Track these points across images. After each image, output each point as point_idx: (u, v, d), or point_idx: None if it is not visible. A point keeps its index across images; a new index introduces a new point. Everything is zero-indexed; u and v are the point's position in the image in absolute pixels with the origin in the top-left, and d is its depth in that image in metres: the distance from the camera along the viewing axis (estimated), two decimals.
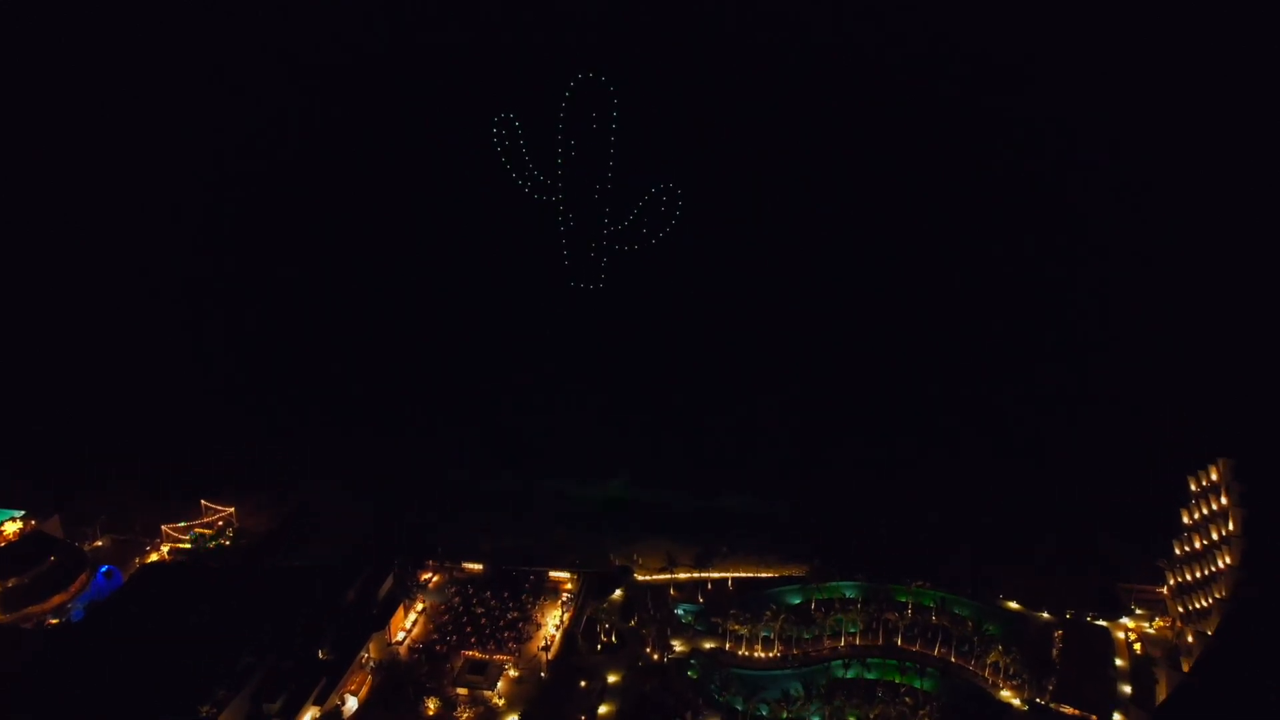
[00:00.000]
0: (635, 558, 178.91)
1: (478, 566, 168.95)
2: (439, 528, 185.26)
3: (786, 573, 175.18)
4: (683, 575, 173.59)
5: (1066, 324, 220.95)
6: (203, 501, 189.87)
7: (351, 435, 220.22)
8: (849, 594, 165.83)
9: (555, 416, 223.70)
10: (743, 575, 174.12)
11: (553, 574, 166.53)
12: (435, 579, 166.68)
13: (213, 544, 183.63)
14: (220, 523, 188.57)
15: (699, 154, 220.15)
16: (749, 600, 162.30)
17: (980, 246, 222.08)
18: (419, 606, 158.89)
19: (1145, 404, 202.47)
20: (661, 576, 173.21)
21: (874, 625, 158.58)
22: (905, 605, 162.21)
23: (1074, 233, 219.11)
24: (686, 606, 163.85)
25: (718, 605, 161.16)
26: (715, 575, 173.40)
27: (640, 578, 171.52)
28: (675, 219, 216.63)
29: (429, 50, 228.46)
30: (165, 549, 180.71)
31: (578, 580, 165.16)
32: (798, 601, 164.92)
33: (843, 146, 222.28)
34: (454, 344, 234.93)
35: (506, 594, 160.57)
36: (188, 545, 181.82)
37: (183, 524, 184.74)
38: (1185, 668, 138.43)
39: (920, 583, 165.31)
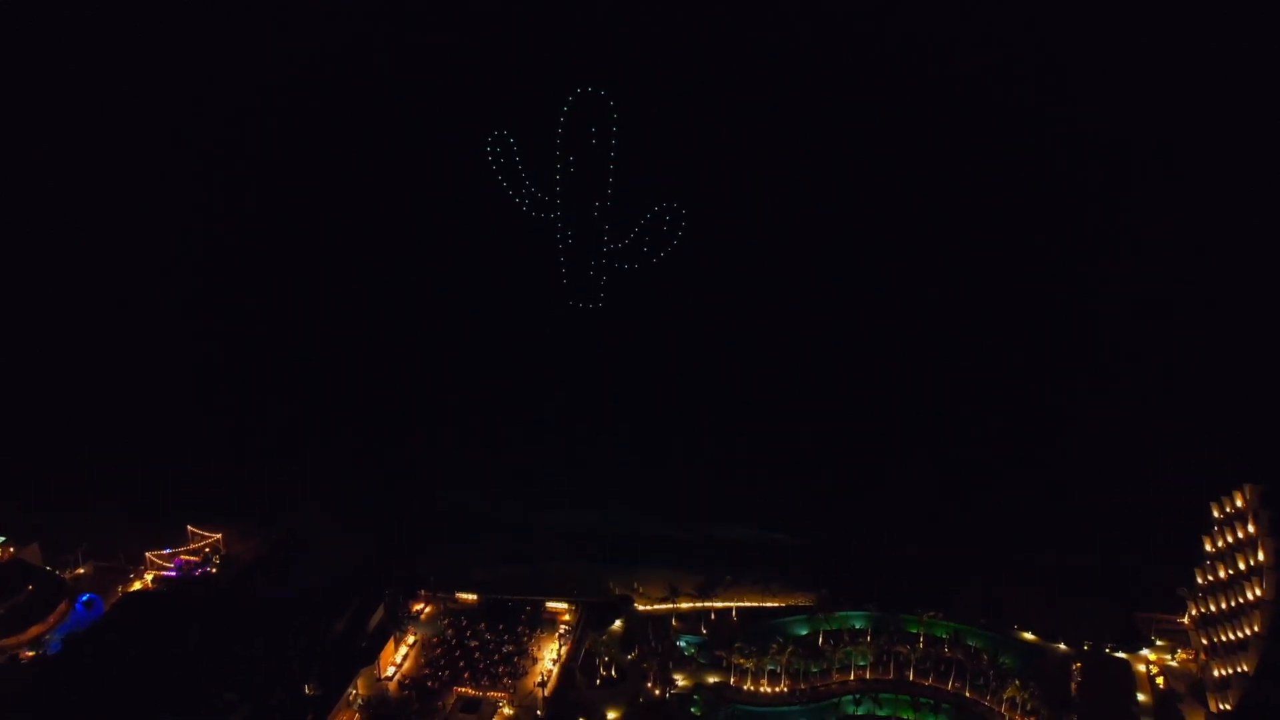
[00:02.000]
0: (636, 586, 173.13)
1: (471, 597, 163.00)
2: (432, 556, 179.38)
3: (793, 602, 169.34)
4: (685, 605, 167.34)
5: (1083, 340, 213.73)
6: (189, 527, 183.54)
7: (343, 459, 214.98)
8: (858, 625, 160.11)
9: (552, 440, 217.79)
10: (747, 605, 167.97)
11: (549, 604, 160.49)
12: (427, 610, 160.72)
13: (198, 571, 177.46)
14: (207, 549, 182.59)
15: (702, 169, 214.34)
16: (754, 632, 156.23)
17: (992, 260, 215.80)
18: (410, 639, 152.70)
19: (1164, 423, 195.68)
20: (663, 606, 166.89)
21: (885, 658, 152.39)
22: (917, 637, 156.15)
23: (1092, 243, 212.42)
24: (689, 638, 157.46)
25: (722, 637, 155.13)
26: (719, 605, 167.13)
27: (641, 608, 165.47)
28: (677, 238, 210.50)
29: (422, 62, 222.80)
30: (149, 577, 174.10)
31: (576, 611, 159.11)
32: (805, 633, 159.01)
33: (851, 160, 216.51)
34: (449, 365, 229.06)
35: (501, 626, 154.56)
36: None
37: (168, 550, 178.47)
38: (1212, 704, 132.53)
39: (932, 613, 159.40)
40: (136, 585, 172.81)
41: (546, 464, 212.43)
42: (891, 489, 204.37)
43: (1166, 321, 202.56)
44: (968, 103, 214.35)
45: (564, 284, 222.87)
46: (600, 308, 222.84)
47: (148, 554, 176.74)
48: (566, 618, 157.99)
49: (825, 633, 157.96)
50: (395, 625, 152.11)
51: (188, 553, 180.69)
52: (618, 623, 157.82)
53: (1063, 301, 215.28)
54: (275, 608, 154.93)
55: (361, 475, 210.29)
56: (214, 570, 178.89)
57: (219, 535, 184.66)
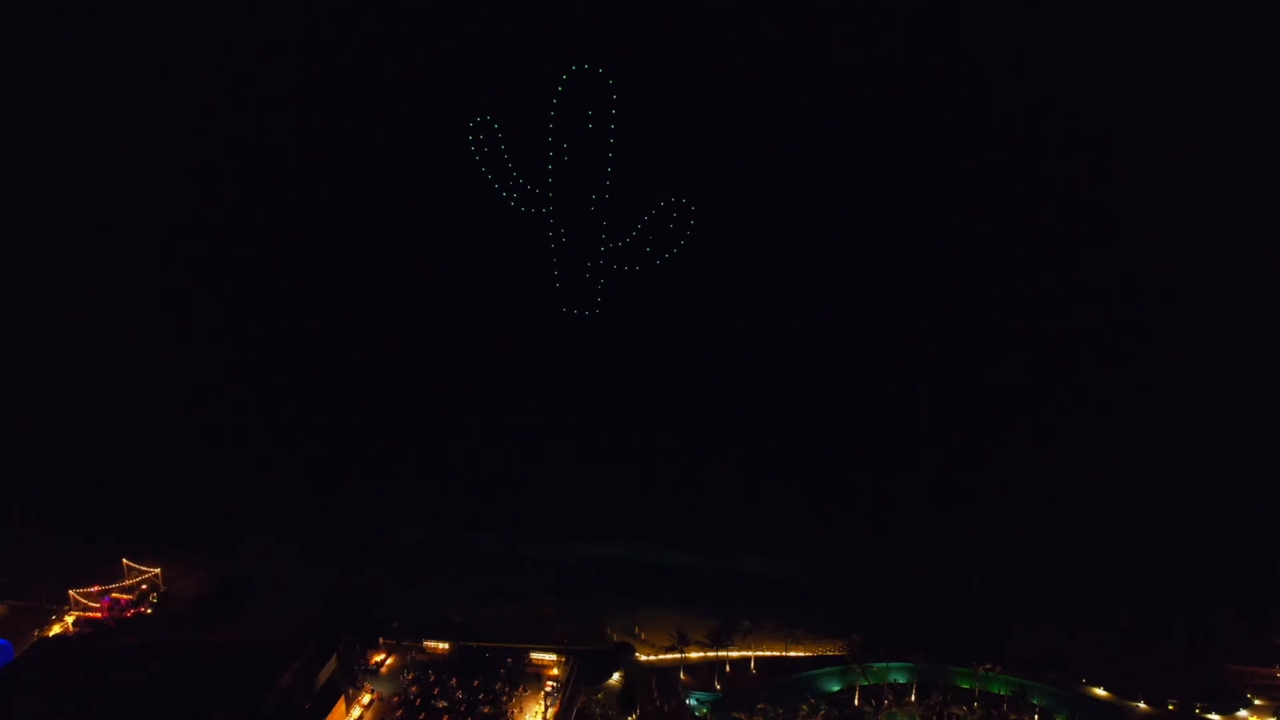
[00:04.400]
0: (638, 632, 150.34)
1: (443, 646, 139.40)
2: (401, 593, 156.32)
3: (822, 651, 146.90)
4: (695, 655, 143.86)
5: (1155, 351, 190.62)
6: (125, 561, 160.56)
7: (307, 485, 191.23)
8: (900, 679, 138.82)
9: (542, 462, 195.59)
10: (768, 654, 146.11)
11: (535, 656, 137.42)
12: (389, 662, 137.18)
13: (130, 611, 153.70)
14: (143, 586, 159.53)
15: (711, 158, 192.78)
16: (778, 687, 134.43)
17: (1041, 263, 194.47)
18: (365, 699, 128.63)
19: (1246, 446, 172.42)
20: (670, 656, 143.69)
21: None
22: (971, 694, 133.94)
23: (1164, 256, 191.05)
24: (701, 695, 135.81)
25: (740, 694, 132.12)
26: (735, 655, 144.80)
27: (643, 658, 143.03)
28: (685, 237, 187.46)
29: (401, 40, 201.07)
30: (70, 619, 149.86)
31: (566, 663, 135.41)
32: (838, 689, 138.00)
33: (872, 155, 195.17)
34: (426, 378, 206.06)
35: (476, 682, 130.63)
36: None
37: (96, 588, 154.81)
38: None
39: (989, 665, 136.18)
40: (56, 629, 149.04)
41: (535, 489, 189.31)
42: (928, 517, 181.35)
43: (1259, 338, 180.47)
44: (982, 93, 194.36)
45: (557, 288, 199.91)
46: (597, 314, 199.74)
47: (72, 592, 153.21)
48: (554, 671, 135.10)
49: (862, 688, 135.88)
50: (349, 680, 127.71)
51: (120, 590, 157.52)
52: (616, 676, 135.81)
53: (1131, 323, 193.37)
54: (214, 658, 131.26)
55: (327, 501, 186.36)
56: (149, 611, 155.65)
57: (157, 570, 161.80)
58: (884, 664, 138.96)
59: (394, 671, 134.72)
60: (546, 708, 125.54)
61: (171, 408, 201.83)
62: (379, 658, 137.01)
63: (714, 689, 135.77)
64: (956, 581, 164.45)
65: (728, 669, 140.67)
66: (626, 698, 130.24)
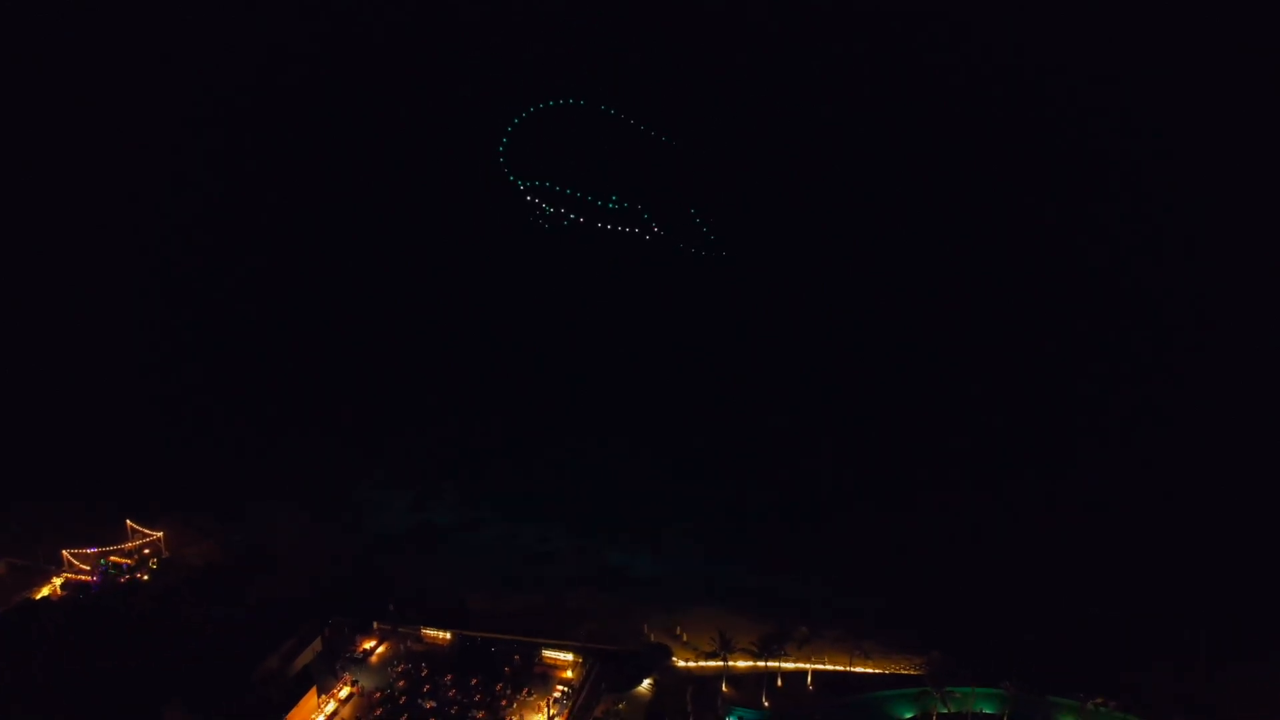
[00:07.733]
0: (679, 633, 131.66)
1: (444, 635, 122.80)
2: (418, 576, 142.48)
3: (893, 668, 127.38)
4: (742, 664, 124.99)
5: None
6: (129, 522, 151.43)
7: (329, 446, 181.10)
8: (988, 709, 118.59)
9: (585, 445, 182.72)
10: (828, 669, 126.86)
11: (547, 654, 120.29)
12: (381, 650, 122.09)
13: (125, 577, 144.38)
14: (145, 550, 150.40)
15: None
16: (838, 709, 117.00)
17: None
18: (342, 692, 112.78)
19: None
20: (711, 664, 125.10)
21: None
22: None
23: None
24: (744, 712, 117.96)
25: (792, 714, 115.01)
26: (789, 666, 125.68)
27: (680, 664, 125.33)
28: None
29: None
30: (58, 581, 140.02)
31: (583, 664, 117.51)
32: (910, 715, 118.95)
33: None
34: (462, 342, 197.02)
35: (475, 680, 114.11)
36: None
37: (93, 549, 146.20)
38: None
39: (1100, 699, 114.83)
40: (44, 591, 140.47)
41: (575, 473, 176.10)
42: (1027, 516, 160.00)
43: None
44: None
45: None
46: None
47: (65, 552, 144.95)
48: (568, 673, 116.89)
49: (940, 717, 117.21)
50: (329, 669, 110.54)
51: (119, 553, 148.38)
52: (645, 683, 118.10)
53: None
54: (196, 635, 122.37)
55: (351, 468, 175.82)
56: (145, 578, 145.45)
57: (160, 534, 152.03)
58: (968, 689, 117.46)
59: (385, 661, 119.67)
60: (552, 716, 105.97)
61: (199, 373, 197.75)
62: (369, 644, 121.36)
63: (761, 706, 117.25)
64: (1063, 593, 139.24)
65: (779, 683, 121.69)
66: (654, 711, 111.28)
